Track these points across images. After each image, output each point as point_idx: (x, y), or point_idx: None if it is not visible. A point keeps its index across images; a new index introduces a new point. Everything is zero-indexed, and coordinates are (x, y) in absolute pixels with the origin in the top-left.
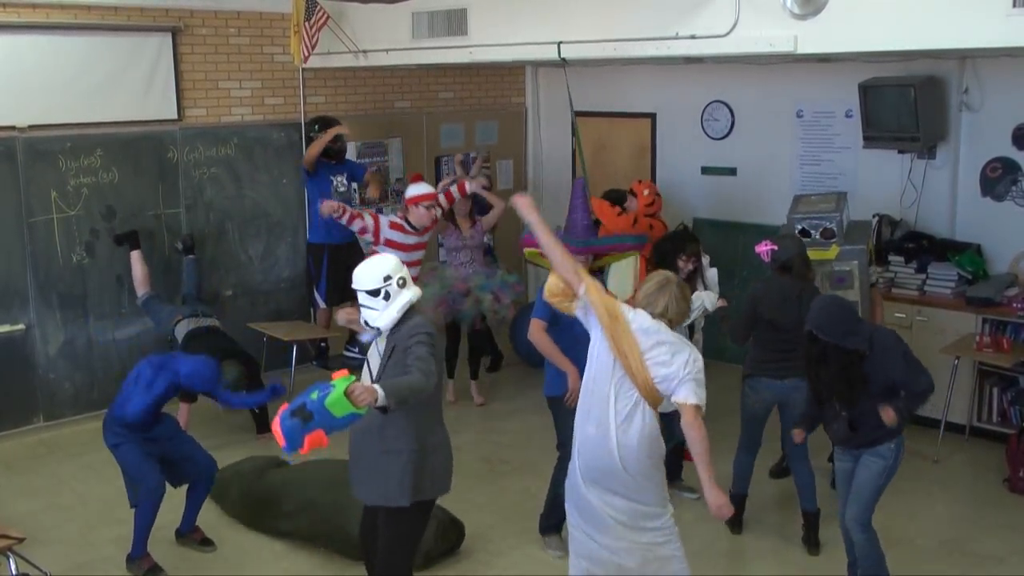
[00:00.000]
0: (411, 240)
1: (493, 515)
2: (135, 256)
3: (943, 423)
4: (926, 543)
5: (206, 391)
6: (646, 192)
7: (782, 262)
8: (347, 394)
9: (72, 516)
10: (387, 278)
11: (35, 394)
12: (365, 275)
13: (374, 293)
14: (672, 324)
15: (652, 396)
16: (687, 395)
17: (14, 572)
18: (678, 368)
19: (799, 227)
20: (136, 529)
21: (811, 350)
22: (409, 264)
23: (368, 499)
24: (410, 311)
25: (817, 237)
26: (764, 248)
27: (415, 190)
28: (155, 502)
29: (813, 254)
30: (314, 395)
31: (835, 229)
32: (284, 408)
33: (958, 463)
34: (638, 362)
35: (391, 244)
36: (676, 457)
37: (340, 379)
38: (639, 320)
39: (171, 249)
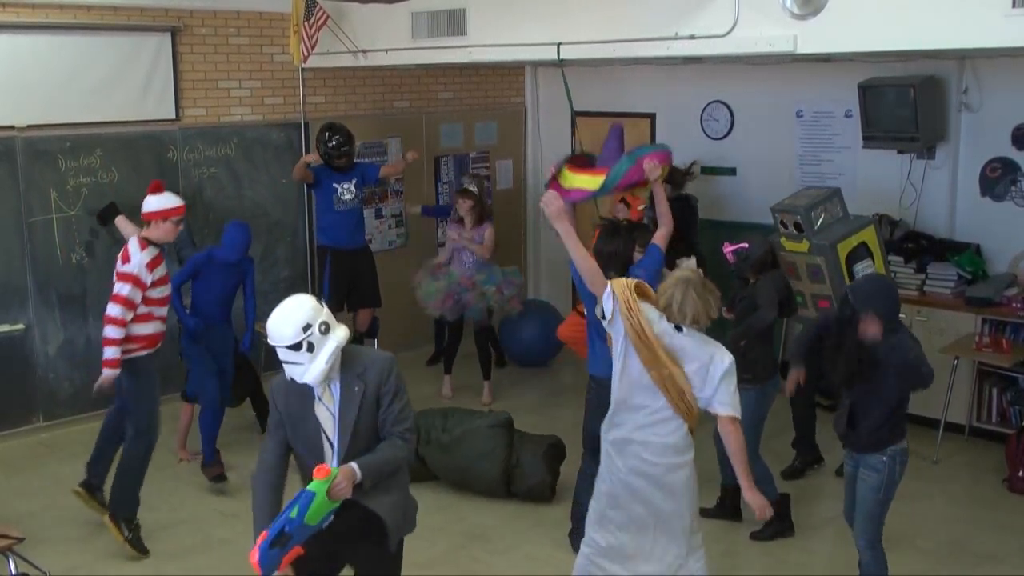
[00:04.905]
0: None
1: (493, 515)
2: (121, 220)
3: (942, 423)
4: (926, 543)
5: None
6: (640, 208)
7: (765, 258)
8: (328, 493)
9: (72, 516)
10: (307, 327)
11: (34, 394)
12: (279, 328)
13: (295, 348)
14: (700, 326)
15: (688, 411)
16: (723, 407)
17: (14, 572)
18: (712, 380)
19: (778, 217)
20: (202, 437)
21: (842, 311)
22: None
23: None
24: (347, 350)
25: (791, 229)
26: (730, 248)
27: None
28: (215, 411)
29: (792, 245)
30: (293, 513)
31: (802, 223)
32: (263, 538)
33: (958, 463)
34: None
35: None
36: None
37: (321, 481)
38: (665, 331)
39: (171, 247)
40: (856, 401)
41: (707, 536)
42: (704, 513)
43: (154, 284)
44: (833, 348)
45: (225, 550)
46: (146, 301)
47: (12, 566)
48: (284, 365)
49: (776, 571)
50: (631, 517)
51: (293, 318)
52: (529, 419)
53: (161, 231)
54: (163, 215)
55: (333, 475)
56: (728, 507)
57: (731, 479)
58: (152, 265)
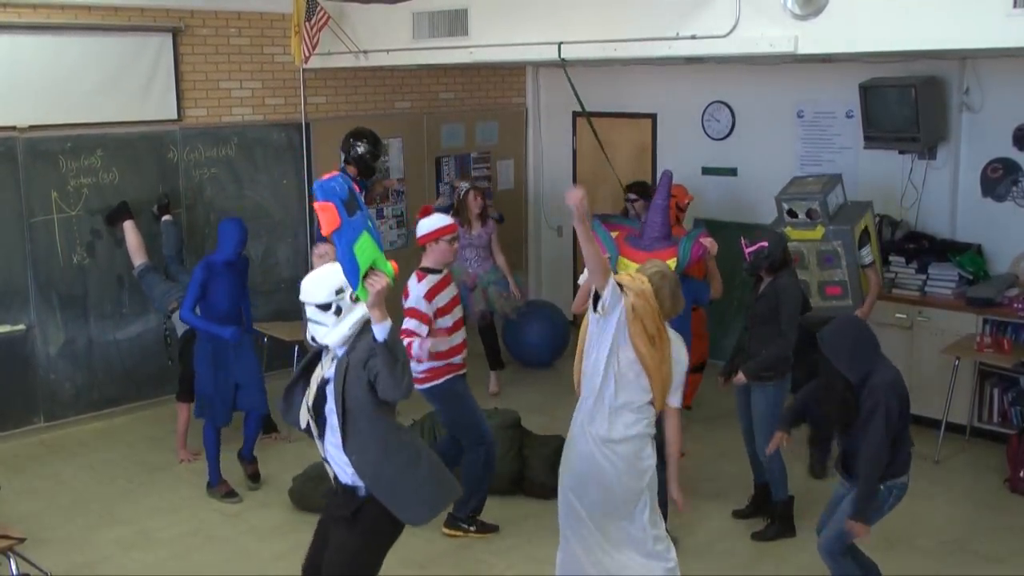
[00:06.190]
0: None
1: (493, 515)
2: (128, 226)
3: (944, 423)
4: (926, 543)
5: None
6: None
7: (780, 257)
8: (366, 276)
9: (72, 516)
10: (339, 291)
11: (35, 394)
12: (314, 286)
13: (324, 307)
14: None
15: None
16: (676, 399)
17: (14, 572)
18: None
19: (786, 207)
20: (207, 457)
21: (820, 362)
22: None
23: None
24: (365, 328)
25: (803, 217)
26: (750, 248)
27: (429, 224)
28: (216, 431)
29: (799, 234)
30: (370, 222)
31: (819, 209)
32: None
33: (959, 463)
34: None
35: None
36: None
37: (384, 260)
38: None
39: (159, 256)
40: (848, 442)
41: (709, 536)
42: (737, 515)
43: (438, 313)
44: (824, 397)
45: (225, 550)
46: (433, 333)
47: (13, 566)
48: (309, 323)
49: (777, 571)
50: (592, 500)
51: (330, 280)
52: (533, 419)
53: (437, 252)
54: (435, 235)
55: (388, 272)
56: (760, 505)
57: (762, 476)
58: (431, 294)
